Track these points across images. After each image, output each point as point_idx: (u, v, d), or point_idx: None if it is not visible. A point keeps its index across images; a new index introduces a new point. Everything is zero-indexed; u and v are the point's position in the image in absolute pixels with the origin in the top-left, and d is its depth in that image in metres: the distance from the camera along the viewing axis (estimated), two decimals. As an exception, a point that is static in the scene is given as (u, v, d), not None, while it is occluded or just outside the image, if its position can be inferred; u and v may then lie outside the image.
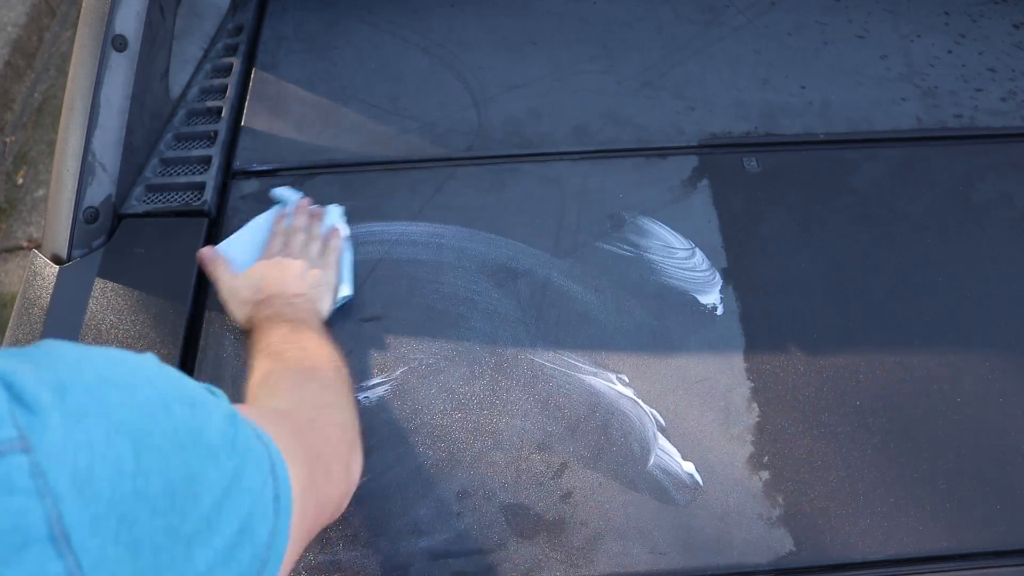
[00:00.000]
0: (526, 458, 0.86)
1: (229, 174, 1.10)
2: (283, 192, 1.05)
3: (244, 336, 0.93)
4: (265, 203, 1.06)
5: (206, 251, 0.97)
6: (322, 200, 1.06)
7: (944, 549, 0.81)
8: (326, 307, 0.93)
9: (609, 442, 0.87)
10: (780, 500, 0.83)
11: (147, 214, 1.05)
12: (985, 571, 0.80)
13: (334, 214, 1.03)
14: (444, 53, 1.23)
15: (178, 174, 1.10)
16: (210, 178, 1.08)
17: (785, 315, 0.95)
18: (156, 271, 0.99)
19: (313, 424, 0.68)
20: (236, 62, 1.22)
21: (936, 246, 1.01)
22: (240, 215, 1.05)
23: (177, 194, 1.07)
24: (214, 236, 1.03)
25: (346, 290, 0.96)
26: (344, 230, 1.01)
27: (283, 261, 0.94)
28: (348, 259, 0.99)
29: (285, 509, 0.51)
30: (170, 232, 1.03)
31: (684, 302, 0.97)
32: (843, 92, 1.18)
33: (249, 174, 1.10)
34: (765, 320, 0.95)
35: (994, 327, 0.95)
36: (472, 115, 1.15)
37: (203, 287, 0.98)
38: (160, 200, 1.07)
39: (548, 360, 0.92)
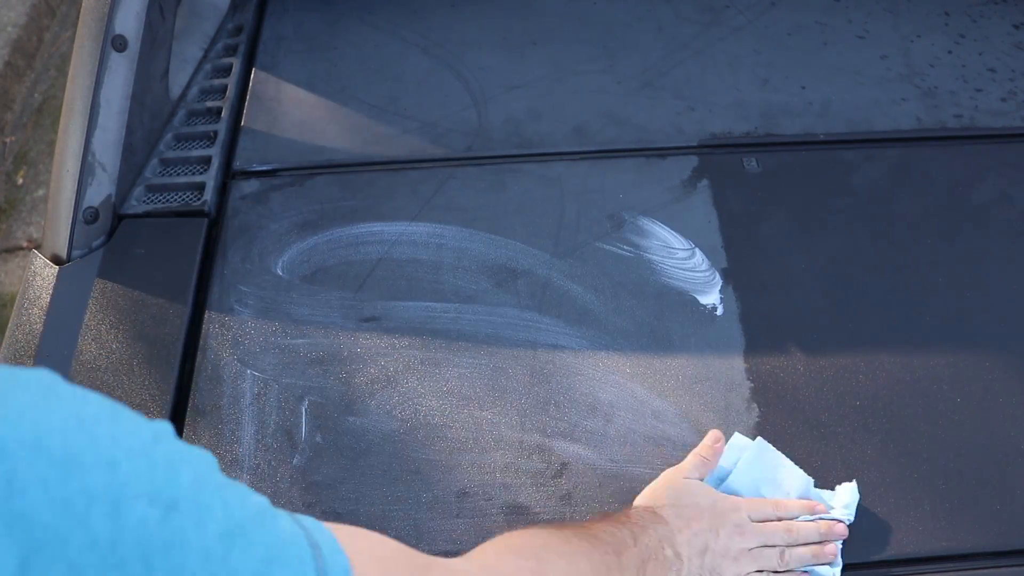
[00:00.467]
0: (526, 458, 0.86)
1: (229, 174, 1.10)
2: (845, 492, 0.82)
3: (248, 339, 0.93)
4: (265, 203, 1.06)
5: (715, 436, 0.82)
6: (321, 199, 1.06)
7: (944, 549, 0.81)
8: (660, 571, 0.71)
9: (609, 442, 0.87)
10: (780, 500, 0.83)
11: (147, 214, 1.05)
12: (985, 571, 0.80)
13: (830, 571, 0.78)
14: (444, 53, 1.23)
15: (178, 174, 1.10)
16: (210, 178, 1.08)
17: (785, 315, 0.95)
18: (156, 271, 0.99)
19: None
20: (236, 62, 1.22)
21: (936, 246, 1.01)
22: (240, 215, 1.05)
23: (177, 194, 1.07)
24: (214, 236, 1.03)
25: None
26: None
27: (732, 526, 0.75)
28: None
29: None
30: (170, 232, 1.03)
31: (684, 302, 0.97)
32: (843, 92, 1.18)
33: (249, 174, 1.10)
34: (765, 320, 0.95)
35: (994, 327, 0.95)
36: (472, 115, 1.15)
37: (203, 287, 0.98)
38: (160, 200, 1.07)
39: (548, 360, 0.92)
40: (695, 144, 1.11)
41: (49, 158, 2.37)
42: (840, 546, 0.78)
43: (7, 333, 0.95)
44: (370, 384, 0.91)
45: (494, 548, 0.64)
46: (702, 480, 0.80)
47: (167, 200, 1.07)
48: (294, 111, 1.16)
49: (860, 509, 0.81)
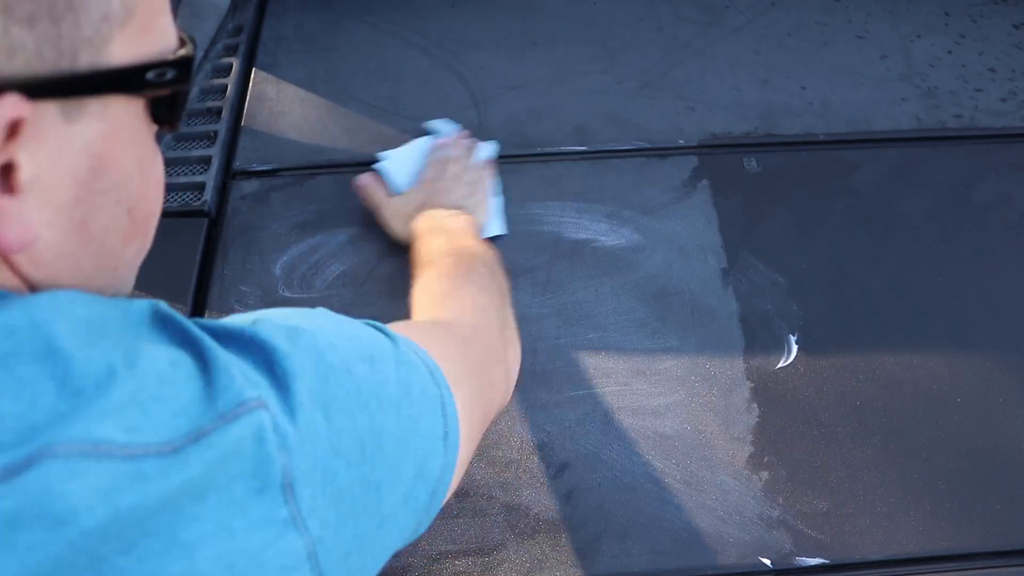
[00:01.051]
0: (526, 458, 0.86)
1: (229, 174, 1.10)
2: (438, 124, 1.10)
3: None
4: (265, 203, 1.06)
5: (364, 177, 1.03)
6: (321, 199, 1.06)
7: (944, 549, 0.81)
8: (481, 216, 0.98)
9: (609, 442, 0.87)
10: (780, 500, 0.83)
11: (147, 214, 1.05)
12: (985, 571, 0.80)
13: (488, 149, 1.07)
14: (444, 53, 1.23)
15: (178, 174, 1.10)
16: (210, 178, 1.08)
17: (785, 315, 0.95)
18: (156, 271, 0.98)
19: (476, 332, 0.70)
20: (236, 62, 1.22)
21: (936, 246, 1.01)
22: (240, 215, 1.05)
23: (177, 194, 1.07)
24: (214, 236, 1.03)
25: (496, 227, 1.01)
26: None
27: (443, 183, 0.99)
28: (497, 199, 1.04)
29: (453, 444, 0.54)
30: (170, 232, 1.03)
31: (684, 302, 0.97)
32: (843, 92, 1.18)
33: (249, 174, 1.10)
34: (765, 320, 0.95)
35: (994, 327, 0.95)
36: (472, 115, 1.15)
37: (203, 287, 0.98)
38: (160, 200, 1.07)
39: (548, 360, 0.92)
40: (695, 144, 1.12)
41: (49, 158, 2.36)
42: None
43: (7, 333, 0.95)
44: (370, 384, 0.91)
45: (435, 299, 0.79)
46: (388, 196, 1.02)
47: (167, 200, 1.07)
48: (294, 111, 1.16)
49: (860, 509, 0.82)
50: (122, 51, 0.38)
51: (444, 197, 0.98)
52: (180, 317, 0.43)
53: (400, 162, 1.06)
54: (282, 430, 0.41)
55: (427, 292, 0.80)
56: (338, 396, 0.45)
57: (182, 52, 0.42)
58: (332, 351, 0.46)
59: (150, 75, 0.39)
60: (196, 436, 0.38)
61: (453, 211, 0.96)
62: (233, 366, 0.41)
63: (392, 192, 1.02)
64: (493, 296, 0.79)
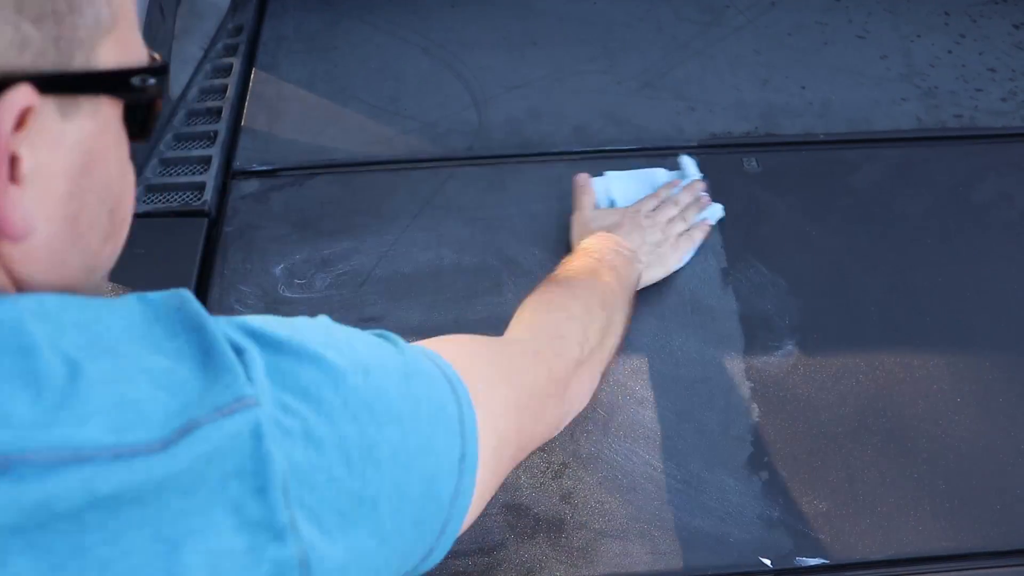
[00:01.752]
0: (526, 458, 0.86)
1: (229, 174, 1.10)
2: (686, 163, 1.06)
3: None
4: (265, 203, 1.06)
5: (583, 176, 1.01)
6: (321, 199, 1.06)
7: (944, 549, 0.81)
8: (649, 276, 0.94)
9: (609, 442, 0.87)
10: (780, 500, 0.83)
11: (147, 214, 1.05)
12: (985, 571, 0.80)
13: (715, 211, 1.02)
14: (444, 53, 1.23)
15: (178, 174, 1.10)
16: (210, 178, 1.08)
17: (785, 315, 0.95)
18: (156, 271, 0.99)
19: (537, 358, 0.68)
20: (236, 62, 1.22)
21: (936, 246, 1.01)
22: (240, 215, 1.05)
23: (177, 194, 1.07)
24: (214, 236, 1.03)
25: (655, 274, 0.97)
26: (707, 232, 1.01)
27: (643, 220, 0.96)
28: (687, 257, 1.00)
29: (471, 467, 0.52)
30: (170, 232, 1.03)
31: (684, 302, 0.97)
32: (843, 92, 1.18)
33: (249, 174, 1.10)
34: (765, 320, 0.95)
35: (994, 327, 0.95)
36: (472, 115, 1.15)
37: (203, 287, 0.98)
38: (160, 200, 1.07)
39: (548, 360, 0.92)
40: (695, 144, 1.11)
41: (49, 158, 2.36)
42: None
43: (7, 333, 0.95)
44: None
45: (525, 314, 0.78)
46: (592, 207, 0.99)
47: (167, 200, 1.07)
48: (294, 111, 1.16)
49: (860, 509, 0.82)
50: (108, 56, 0.40)
51: (636, 232, 0.94)
52: (192, 307, 0.43)
53: (624, 182, 1.03)
54: (284, 428, 0.41)
55: (528, 303, 0.79)
56: (325, 404, 0.44)
57: (158, 63, 0.44)
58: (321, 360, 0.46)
59: (134, 80, 0.41)
60: (188, 429, 0.37)
61: (630, 249, 0.92)
62: (236, 364, 0.41)
63: (597, 205, 1.00)
64: (587, 329, 0.76)
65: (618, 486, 0.84)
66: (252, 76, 1.20)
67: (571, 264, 0.87)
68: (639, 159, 1.10)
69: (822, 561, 0.80)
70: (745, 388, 0.90)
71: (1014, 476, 0.84)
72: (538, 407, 0.65)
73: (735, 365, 0.92)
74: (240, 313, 0.95)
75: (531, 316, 0.77)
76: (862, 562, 0.80)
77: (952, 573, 0.80)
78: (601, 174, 1.03)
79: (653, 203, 0.99)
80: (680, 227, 0.98)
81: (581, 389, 0.75)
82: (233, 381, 0.40)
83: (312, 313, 0.96)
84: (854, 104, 1.16)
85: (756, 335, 0.94)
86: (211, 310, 0.96)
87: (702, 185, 1.03)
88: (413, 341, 0.93)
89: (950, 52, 1.24)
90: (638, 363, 0.92)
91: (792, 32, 1.26)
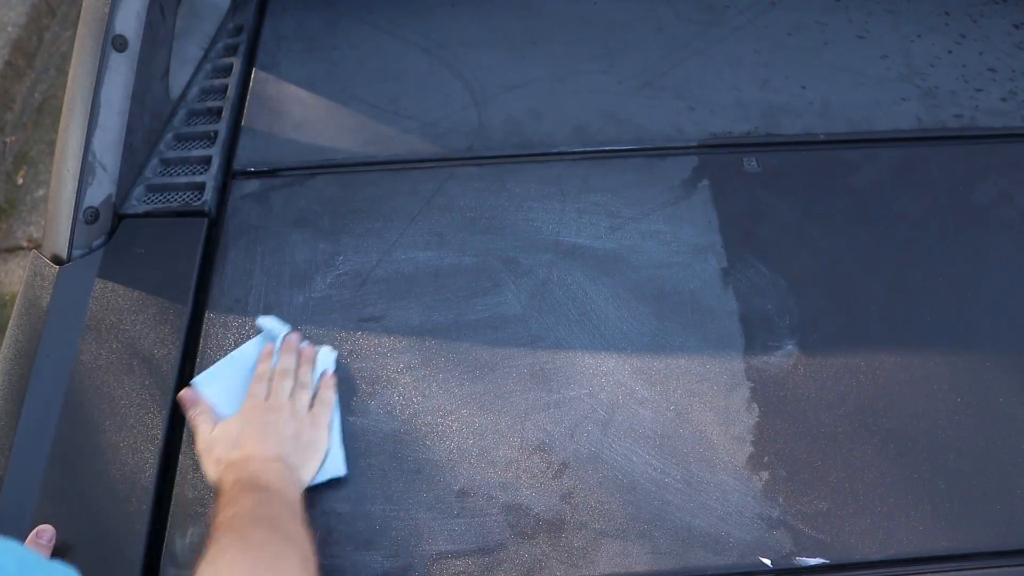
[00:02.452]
0: (526, 458, 0.86)
1: (229, 174, 1.10)
2: (269, 322, 0.92)
3: (248, 338, 0.93)
4: (265, 203, 1.06)
5: (186, 394, 0.87)
6: (322, 199, 1.06)
7: (944, 549, 0.81)
8: (309, 473, 0.81)
9: (609, 442, 0.87)
10: (780, 500, 0.83)
11: (147, 214, 1.05)
12: (985, 571, 0.80)
13: (327, 359, 0.91)
14: (444, 53, 1.23)
15: (178, 174, 1.10)
16: (210, 178, 1.08)
17: (785, 315, 0.95)
18: (156, 271, 0.99)
19: None
20: (236, 62, 1.22)
21: (936, 246, 1.01)
22: (240, 215, 1.05)
23: (177, 194, 1.07)
24: (214, 236, 1.03)
25: (338, 466, 0.84)
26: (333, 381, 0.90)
27: (265, 414, 0.83)
28: (337, 422, 0.87)
29: None
30: (170, 232, 1.03)
31: (684, 302, 0.97)
32: (843, 92, 1.18)
33: (249, 174, 1.10)
34: (765, 320, 0.95)
35: (994, 327, 0.95)
36: (472, 115, 1.15)
37: (203, 287, 0.98)
38: (160, 200, 1.07)
39: (548, 360, 0.92)
40: (695, 144, 1.11)
41: (49, 158, 2.37)
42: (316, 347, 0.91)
43: (7, 333, 0.95)
44: (370, 384, 0.91)
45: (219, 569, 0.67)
46: (211, 425, 0.85)
47: (167, 200, 1.07)
48: (294, 111, 1.16)
49: (860, 509, 0.82)
50: None
51: (267, 431, 0.82)
52: None
53: (221, 380, 0.89)
54: None
55: (213, 567, 0.67)
56: None
57: None
58: None
59: None
60: None
61: (269, 460, 0.79)
62: None
63: (217, 417, 0.86)
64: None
65: (618, 486, 0.84)
66: (252, 76, 1.20)
67: (235, 508, 0.73)
68: (639, 159, 1.10)
69: (822, 561, 0.80)
70: (745, 388, 0.90)
71: (1014, 476, 0.84)
72: None
73: (735, 365, 0.92)
74: (240, 313, 0.95)
75: None
76: (862, 562, 0.80)
77: (952, 573, 0.80)
78: (190, 385, 0.89)
79: (264, 387, 0.86)
80: (304, 396, 0.86)
81: None
82: None
83: (313, 313, 0.96)
84: (854, 104, 1.16)
85: (756, 335, 0.94)
86: (211, 310, 0.96)
87: (296, 336, 0.92)
88: (411, 343, 0.94)
89: (950, 52, 1.23)
90: (638, 363, 0.92)
91: (792, 32, 1.26)
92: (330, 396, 0.88)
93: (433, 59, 1.23)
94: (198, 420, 0.85)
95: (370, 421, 0.88)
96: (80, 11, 1.05)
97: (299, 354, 0.90)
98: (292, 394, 0.86)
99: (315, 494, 0.83)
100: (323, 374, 0.90)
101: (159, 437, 0.87)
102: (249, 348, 0.92)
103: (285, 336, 0.91)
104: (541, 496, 0.84)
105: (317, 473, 0.82)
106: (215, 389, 0.88)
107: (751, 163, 1.09)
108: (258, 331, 0.93)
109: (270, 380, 0.87)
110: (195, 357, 0.92)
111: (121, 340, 0.93)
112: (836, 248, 1.01)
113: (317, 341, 0.93)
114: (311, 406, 0.86)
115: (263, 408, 0.84)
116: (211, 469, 0.81)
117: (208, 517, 0.76)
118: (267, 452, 0.80)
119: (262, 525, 0.71)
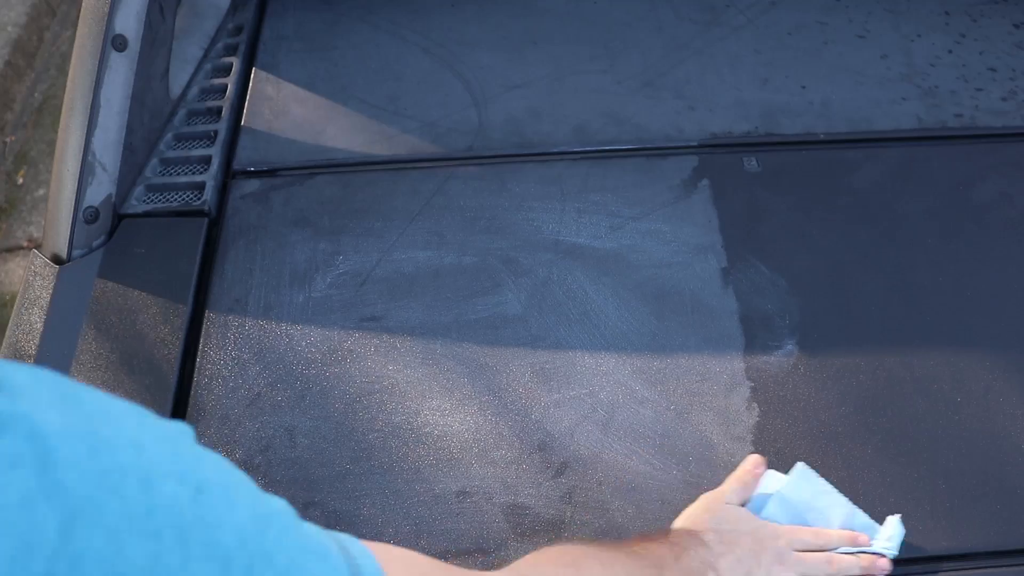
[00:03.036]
0: (526, 458, 0.86)
1: (229, 174, 1.10)
2: (891, 527, 0.79)
3: (250, 341, 0.93)
4: (265, 203, 1.06)
5: (755, 460, 0.81)
6: (322, 199, 1.06)
7: (944, 549, 0.80)
8: None
9: (609, 442, 0.87)
10: (780, 500, 0.83)
11: (147, 214, 1.05)
12: (985, 571, 0.80)
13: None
14: (444, 53, 1.23)
15: (178, 174, 1.10)
16: (210, 178, 1.08)
17: (785, 315, 0.95)
18: (156, 271, 0.99)
19: None
20: (236, 62, 1.22)
21: (936, 246, 1.01)
22: (240, 215, 1.05)
23: (177, 194, 1.07)
24: (214, 236, 1.03)
25: None
26: None
27: (779, 553, 0.74)
28: None
29: None
30: (170, 232, 1.03)
31: (684, 302, 0.97)
32: (843, 92, 1.18)
33: (249, 174, 1.10)
34: (765, 320, 0.95)
35: (994, 327, 0.95)
36: (472, 115, 1.15)
37: (203, 287, 0.98)
38: (160, 200, 1.07)
39: (548, 360, 0.92)
40: (695, 144, 1.11)
41: (49, 158, 2.37)
42: None
43: (7, 333, 0.95)
44: (370, 383, 0.91)
45: (531, 558, 0.64)
46: (742, 506, 0.79)
47: (167, 200, 1.07)
48: (294, 110, 1.16)
49: (861, 508, 0.81)
50: None
51: (751, 560, 0.73)
52: None
53: (801, 492, 0.80)
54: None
55: (557, 552, 0.64)
56: (96, 505, 0.31)
57: None
58: (130, 450, 0.34)
59: None
60: None
61: (713, 568, 0.72)
62: None
63: (752, 508, 0.79)
64: None
65: (618, 486, 0.84)
66: (252, 76, 1.20)
67: (638, 542, 0.70)
68: (639, 158, 1.10)
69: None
70: (745, 388, 0.90)
71: (1014, 476, 0.84)
72: None
73: (735, 365, 0.92)
74: (240, 313, 0.95)
75: (534, 565, 0.63)
76: (862, 562, 0.80)
77: (952, 573, 0.80)
78: (788, 472, 0.81)
79: (805, 539, 0.76)
80: (818, 569, 0.75)
81: None
82: None
83: (313, 312, 0.96)
84: (854, 104, 1.16)
85: (756, 335, 0.94)
86: (211, 310, 0.96)
87: (884, 563, 0.77)
88: (412, 343, 0.94)
89: (950, 52, 1.23)
90: (638, 363, 0.92)
91: (792, 32, 1.26)
92: None
93: (433, 59, 1.23)
94: (738, 491, 0.78)
95: (370, 420, 0.88)
96: (80, 11, 1.05)
97: (855, 569, 0.76)
98: (813, 564, 0.75)
99: (313, 491, 0.83)
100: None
101: (159, 437, 0.87)
102: (845, 505, 0.80)
103: (880, 550, 0.77)
104: (541, 496, 0.84)
105: None
106: (792, 492, 0.79)
107: (751, 163, 1.09)
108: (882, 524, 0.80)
109: (821, 546, 0.76)
110: (195, 357, 0.92)
111: (121, 340, 0.93)
112: (836, 248, 1.01)
113: (317, 341, 0.93)
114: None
115: (781, 548, 0.75)
116: (688, 521, 0.76)
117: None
118: (719, 561, 0.72)
119: (646, 569, 0.66)
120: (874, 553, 0.77)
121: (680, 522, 0.77)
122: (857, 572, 0.76)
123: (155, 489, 0.33)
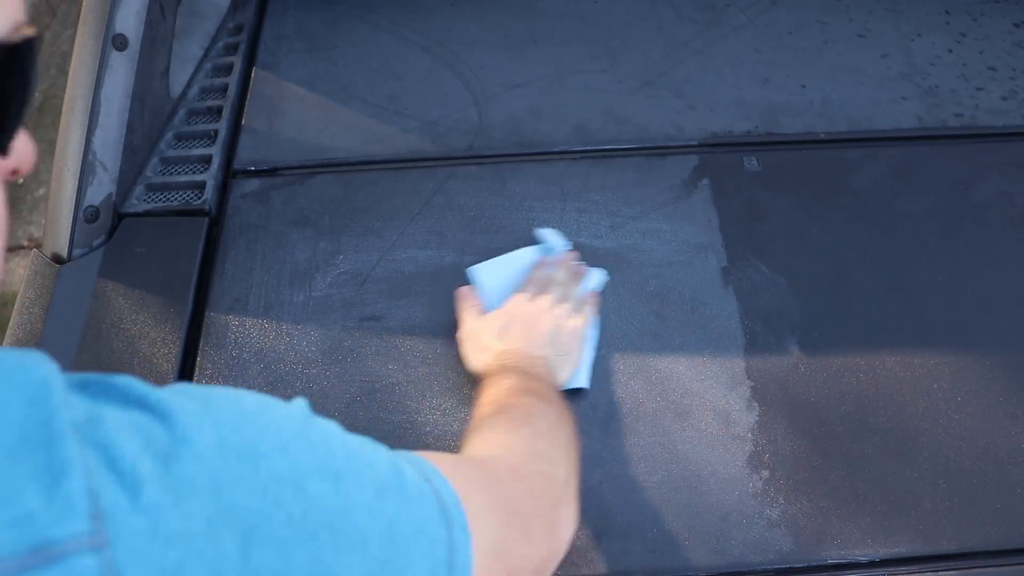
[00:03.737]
0: (526, 458, 0.86)
1: (229, 173, 1.10)
2: (550, 236, 0.98)
3: (250, 341, 0.93)
4: (266, 202, 1.06)
5: (463, 290, 0.93)
6: (322, 199, 1.06)
7: (944, 549, 0.81)
8: (563, 378, 0.85)
9: (609, 442, 0.87)
10: (780, 500, 0.83)
11: (147, 213, 1.05)
12: (985, 571, 0.80)
13: (596, 279, 0.96)
14: (445, 52, 1.23)
15: (178, 173, 1.10)
16: (210, 177, 1.08)
17: (785, 315, 0.95)
18: (156, 270, 0.99)
19: (515, 473, 0.61)
20: (236, 61, 1.22)
21: (936, 246, 1.01)
22: (240, 214, 1.05)
23: (177, 193, 1.07)
24: (214, 235, 1.03)
25: (582, 379, 0.89)
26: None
27: (533, 314, 0.87)
28: (592, 339, 0.92)
29: None
30: (170, 231, 1.03)
31: (684, 302, 0.97)
32: (844, 91, 1.18)
33: (249, 173, 1.10)
34: (765, 320, 0.95)
35: (994, 327, 0.95)
36: (472, 114, 1.15)
37: (203, 287, 0.98)
38: (161, 199, 1.07)
39: (548, 360, 0.92)
40: (695, 143, 1.11)
41: (50, 157, 2.36)
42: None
43: (8, 332, 0.95)
44: (370, 383, 0.91)
45: (486, 434, 0.69)
46: (477, 315, 0.90)
47: (168, 199, 1.07)
48: (295, 110, 1.16)
49: (860, 508, 0.82)
50: None
51: (531, 330, 0.85)
52: (47, 401, 0.32)
53: (496, 274, 0.96)
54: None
55: (478, 429, 0.70)
56: (272, 519, 0.34)
57: (24, 33, 0.31)
58: (280, 455, 0.37)
59: None
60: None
61: (535, 356, 0.83)
62: (81, 478, 0.30)
63: (484, 309, 0.91)
64: (554, 446, 0.70)
65: (618, 486, 0.84)
66: (252, 75, 1.20)
67: (499, 385, 0.77)
68: (639, 158, 1.10)
69: (823, 561, 0.80)
70: (745, 388, 0.90)
71: (1014, 476, 0.84)
72: (524, 527, 0.58)
73: (735, 365, 0.92)
74: (240, 312, 0.95)
75: (492, 434, 0.68)
76: (863, 562, 0.80)
77: (952, 573, 0.80)
78: (468, 273, 0.96)
79: (532, 290, 0.91)
80: (568, 307, 0.89)
81: (569, 511, 0.67)
82: (67, 508, 0.29)
83: (313, 312, 0.96)
84: (854, 103, 1.16)
85: (756, 335, 0.94)
86: (211, 310, 0.96)
87: (573, 255, 0.97)
88: (412, 343, 0.94)
89: (951, 51, 1.23)
90: (638, 363, 0.92)
91: (792, 31, 1.26)
92: (590, 312, 0.92)
93: (433, 58, 1.23)
94: (467, 312, 0.90)
95: (370, 420, 0.88)
96: (80, 10, 1.05)
97: (571, 269, 0.94)
98: (558, 302, 0.89)
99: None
100: (590, 291, 0.94)
101: (159, 436, 0.87)
102: (525, 254, 0.98)
103: (562, 253, 0.97)
104: (541, 496, 0.83)
105: (569, 379, 0.87)
106: (489, 281, 0.95)
107: (751, 162, 1.09)
108: (537, 240, 0.99)
109: (538, 286, 0.91)
110: (195, 356, 0.93)
111: (121, 339, 0.93)
112: (836, 247, 1.01)
113: (317, 340, 0.93)
114: (571, 317, 0.89)
115: (531, 307, 0.88)
116: (474, 355, 0.86)
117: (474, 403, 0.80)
118: (532, 348, 0.84)
119: (520, 396, 0.74)
120: (561, 252, 0.97)
121: (476, 367, 0.85)
122: (568, 271, 0.93)
123: (306, 491, 0.36)
